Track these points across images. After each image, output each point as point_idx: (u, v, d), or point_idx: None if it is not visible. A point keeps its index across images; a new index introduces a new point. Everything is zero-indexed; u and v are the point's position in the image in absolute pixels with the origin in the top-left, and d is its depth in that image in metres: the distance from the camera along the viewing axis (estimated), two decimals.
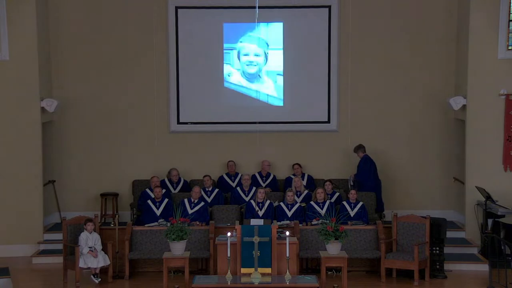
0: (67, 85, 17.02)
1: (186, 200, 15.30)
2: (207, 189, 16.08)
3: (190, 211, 15.07)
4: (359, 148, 16.60)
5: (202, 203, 15.32)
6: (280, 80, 17.17)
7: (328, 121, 17.21)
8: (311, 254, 14.19)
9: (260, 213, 15.02)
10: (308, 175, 16.86)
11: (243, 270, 12.53)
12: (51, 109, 16.25)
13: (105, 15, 16.96)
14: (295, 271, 12.85)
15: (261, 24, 16.78)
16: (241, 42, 17.08)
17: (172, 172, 16.66)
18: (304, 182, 16.50)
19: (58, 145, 17.13)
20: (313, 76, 17.12)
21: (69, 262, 13.91)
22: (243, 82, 17.22)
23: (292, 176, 16.57)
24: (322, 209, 14.94)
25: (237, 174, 16.96)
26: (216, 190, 16.17)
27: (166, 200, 15.32)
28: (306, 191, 15.94)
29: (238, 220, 14.90)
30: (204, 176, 16.23)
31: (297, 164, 16.80)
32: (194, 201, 15.28)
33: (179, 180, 16.73)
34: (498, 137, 15.83)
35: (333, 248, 12.72)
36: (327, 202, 15.14)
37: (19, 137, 15.84)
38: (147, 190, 16.10)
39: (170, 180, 16.65)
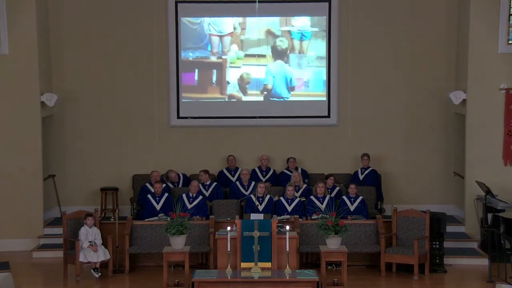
0: (67, 79, 17.00)
1: (184, 196, 15.28)
2: (205, 184, 16.06)
3: (189, 206, 15.04)
4: (368, 157, 16.67)
5: (201, 197, 15.29)
6: (281, 74, 17.18)
7: (328, 116, 17.20)
8: (311, 249, 14.19)
9: (260, 207, 15.01)
10: (302, 169, 16.82)
11: (243, 265, 12.52)
12: (51, 104, 16.23)
13: (105, 9, 16.92)
14: (295, 266, 12.83)
15: (261, 17, 16.76)
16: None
17: (170, 175, 16.47)
18: None
19: (58, 140, 17.12)
20: (313, 69, 17.12)
21: (69, 257, 13.92)
22: (244, 76, 17.22)
23: (286, 171, 16.58)
24: (322, 203, 14.93)
25: (237, 168, 16.94)
26: (214, 184, 16.15)
27: (166, 194, 15.31)
28: (305, 186, 15.94)
29: (238, 214, 14.89)
30: (200, 171, 16.20)
31: (292, 158, 16.77)
32: (192, 195, 15.27)
33: (179, 179, 16.68)
34: (498, 131, 15.81)
35: (333, 243, 12.72)
36: (327, 197, 15.13)
37: (19, 131, 15.82)
38: (147, 184, 16.08)
39: (170, 182, 16.52)
